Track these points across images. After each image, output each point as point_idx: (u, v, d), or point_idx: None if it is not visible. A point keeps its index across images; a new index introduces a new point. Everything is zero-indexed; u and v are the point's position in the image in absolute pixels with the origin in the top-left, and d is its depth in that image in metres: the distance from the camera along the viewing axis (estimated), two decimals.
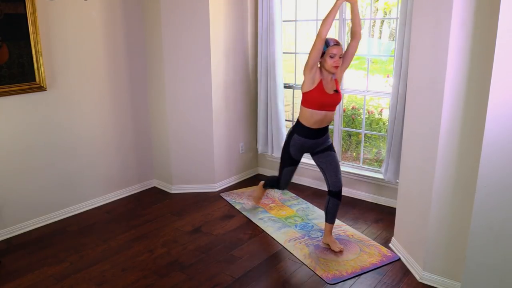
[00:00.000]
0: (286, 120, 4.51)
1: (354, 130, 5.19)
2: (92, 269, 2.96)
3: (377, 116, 5.63)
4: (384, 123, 5.39)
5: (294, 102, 4.81)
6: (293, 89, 4.55)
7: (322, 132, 3.06)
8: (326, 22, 2.77)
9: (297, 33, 4.38)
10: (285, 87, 4.45)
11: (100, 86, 3.86)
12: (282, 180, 3.32)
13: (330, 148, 3.14)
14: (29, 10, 3.23)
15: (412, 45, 2.86)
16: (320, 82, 2.91)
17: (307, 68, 2.88)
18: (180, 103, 4.11)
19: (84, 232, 3.49)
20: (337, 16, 4.26)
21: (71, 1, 3.52)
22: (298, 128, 3.06)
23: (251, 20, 4.40)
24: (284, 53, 4.38)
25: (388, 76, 5.42)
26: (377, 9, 6.18)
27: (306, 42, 5.30)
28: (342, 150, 4.49)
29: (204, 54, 4.00)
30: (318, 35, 2.78)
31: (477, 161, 2.16)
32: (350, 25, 2.97)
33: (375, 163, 4.86)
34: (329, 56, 2.85)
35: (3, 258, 3.09)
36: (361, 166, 4.19)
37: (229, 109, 4.35)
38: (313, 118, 2.97)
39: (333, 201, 3.12)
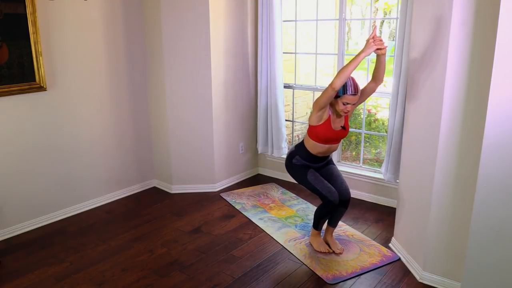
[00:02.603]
0: (286, 120, 4.51)
1: (354, 130, 5.19)
2: (92, 269, 2.96)
3: (378, 116, 5.63)
4: (383, 123, 5.39)
5: (294, 102, 4.81)
6: (293, 89, 4.55)
7: (325, 158, 3.06)
8: (344, 75, 2.60)
9: (297, 33, 4.38)
10: (285, 87, 4.45)
11: (100, 86, 3.86)
12: (323, 191, 2.97)
13: (330, 162, 3.15)
14: (29, 10, 3.23)
15: (412, 45, 2.86)
16: (328, 119, 2.86)
17: (316, 108, 2.81)
18: (180, 103, 4.11)
19: (84, 232, 3.49)
20: (336, 16, 4.28)
21: (71, 1, 3.52)
22: (301, 150, 3.03)
23: (251, 20, 4.40)
24: (284, 53, 4.38)
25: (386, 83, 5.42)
26: (377, 9, 6.18)
27: (306, 42, 5.31)
28: (342, 150, 4.49)
29: (204, 54, 4.00)
30: (331, 85, 2.63)
31: (477, 161, 2.16)
32: (373, 69, 2.81)
33: (375, 163, 4.86)
34: (342, 102, 2.77)
35: (3, 258, 3.09)
36: (361, 166, 4.19)
37: (229, 109, 4.34)
38: (316, 149, 2.96)
39: (340, 210, 3.09)
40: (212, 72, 4.05)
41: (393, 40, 5.96)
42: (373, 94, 4.33)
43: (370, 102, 5.71)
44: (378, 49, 2.61)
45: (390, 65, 4.11)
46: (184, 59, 4.00)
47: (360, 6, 6.05)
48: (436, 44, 2.52)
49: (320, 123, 2.86)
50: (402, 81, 3.43)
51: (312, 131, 2.92)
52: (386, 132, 3.79)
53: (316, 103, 2.81)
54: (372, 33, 2.61)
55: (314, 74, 4.45)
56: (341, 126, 2.92)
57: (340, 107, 2.80)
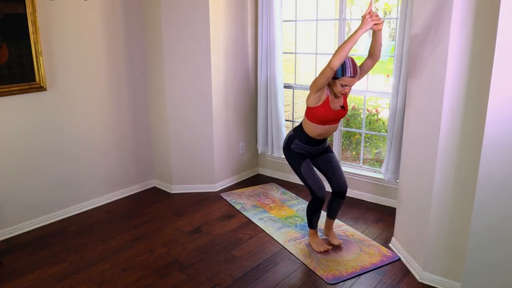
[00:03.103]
0: (286, 120, 4.51)
1: (354, 130, 5.19)
2: (92, 269, 2.96)
3: (379, 116, 5.63)
4: (384, 123, 5.39)
5: (294, 102, 4.81)
6: (293, 89, 4.55)
7: (323, 140, 3.05)
8: (341, 53, 2.55)
9: (297, 33, 4.38)
10: (285, 87, 4.45)
11: (100, 86, 3.86)
12: (312, 186, 2.97)
13: (328, 149, 3.13)
14: (29, 10, 3.23)
15: (412, 45, 2.86)
16: (327, 100, 2.83)
17: (314, 89, 2.77)
18: (180, 103, 4.11)
19: (84, 232, 3.49)
20: (336, 16, 4.28)
21: (71, 1, 3.52)
22: (300, 134, 3.00)
23: (251, 20, 4.40)
24: (284, 53, 4.38)
25: (388, 76, 5.43)
26: (377, 9, 6.18)
27: (306, 42, 5.31)
28: (342, 150, 4.49)
29: (204, 54, 4.00)
30: (329, 64, 2.58)
31: (477, 161, 2.16)
32: (369, 46, 2.80)
33: (376, 163, 4.86)
34: (340, 84, 2.74)
35: (3, 258, 3.09)
36: (361, 166, 4.19)
37: (229, 109, 4.35)
38: (315, 131, 2.93)
39: (338, 200, 3.12)
40: (212, 72, 4.05)
41: (393, 40, 5.96)
42: (373, 94, 4.34)
43: (370, 102, 5.72)
44: (375, 24, 2.56)
45: (390, 65, 4.11)
46: (184, 59, 4.00)
47: (360, 6, 6.06)
48: (436, 43, 2.52)
49: (319, 104, 2.82)
50: (402, 81, 3.43)
51: (311, 112, 2.87)
52: (386, 132, 3.79)
53: (313, 84, 2.77)
54: (367, 9, 2.56)
55: (314, 74, 4.45)
56: (340, 106, 2.88)
57: (338, 88, 2.76)
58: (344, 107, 2.91)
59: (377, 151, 5.36)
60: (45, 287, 2.77)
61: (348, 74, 2.69)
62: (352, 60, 2.71)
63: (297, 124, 5.21)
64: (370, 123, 5.50)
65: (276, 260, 3.07)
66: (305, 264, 2.99)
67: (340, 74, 2.70)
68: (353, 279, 2.83)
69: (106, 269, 2.95)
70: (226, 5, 4.08)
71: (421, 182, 2.76)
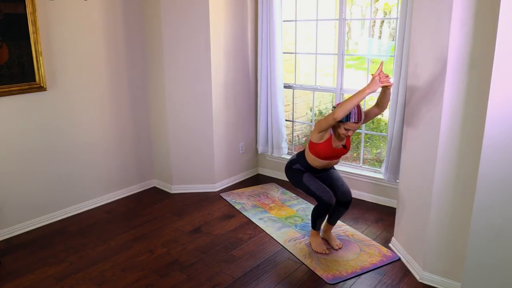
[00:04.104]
0: (286, 120, 4.51)
1: None
2: (92, 269, 2.96)
3: (379, 116, 5.63)
4: (384, 123, 5.39)
5: (294, 102, 4.81)
6: (293, 89, 4.55)
7: (325, 170, 3.09)
8: (347, 107, 2.64)
9: (297, 33, 4.38)
10: (285, 87, 4.45)
11: (100, 86, 3.86)
12: (317, 192, 2.98)
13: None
14: (29, 10, 3.23)
15: (412, 45, 2.86)
16: (330, 138, 2.89)
17: (317, 128, 2.85)
18: (180, 103, 4.11)
19: (84, 232, 3.49)
20: (336, 16, 4.28)
21: (71, 1, 3.52)
22: (302, 160, 3.06)
23: (251, 20, 4.40)
24: (284, 53, 4.38)
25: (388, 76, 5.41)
26: (377, 9, 6.18)
27: (306, 42, 5.31)
28: None
29: (204, 54, 4.00)
30: (333, 114, 2.68)
31: (477, 161, 2.16)
32: (378, 97, 2.87)
33: (376, 163, 4.86)
34: (344, 127, 2.79)
35: (3, 258, 3.09)
36: (361, 166, 4.19)
37: (229, 109, 4.34)
38: (315, 163, 3.00)
39: (340, 210, 3.13)
40: (212, 72, 4.05)
41: (393, 40, 5.96)
42: (373, 94, 4.35)
43: (370, 102, 5.72)
44: (383, 86, 2.65)
45: (390, 65, 4.11)
46: (184, 59, 4.00)
47: (360, 6, 6.05)
48: (436, 43, 2.52)
49: (321, 141, 2.90)
50: (402, 81, 3.43)
51: (313, 147, 2.95)
52: (386, 132, 3.79)
53: (317, 125, 2.86)
54: (378, 69, 2.62)
55: (314, 74, 4.45)
56: (342, 145, 2.95)
57: (341, 131, 2.83)
58: (345, 147, 2.96)
59: (377, 151, 5.36)
60: (45, 287, 2.77)
61: (353, 120, 2.76)
62: (358, 107, 2.75)
63: (297, 123, 5.23)
64: (373, 122, 5.50)
65: (276, 260, 3.07)
66: (305, 264, 2.99)
67: (344, 119, 2.76)
68: (353, 279, 2.83)
69: (106, 269, 2.95)
70: (226, 5, 4.08)
71: (421, 182, 2.75)
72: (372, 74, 2.65)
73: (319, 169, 3.06)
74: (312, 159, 2.99)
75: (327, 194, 2.96)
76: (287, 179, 4.53)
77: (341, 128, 2.82)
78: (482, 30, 2.25)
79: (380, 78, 2.60)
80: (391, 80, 2.66)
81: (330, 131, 2.88)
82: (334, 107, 2.86)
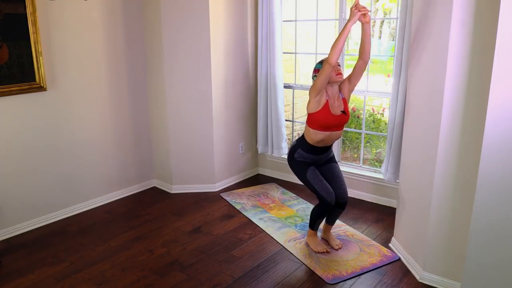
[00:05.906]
0: (286, 120, 4.51)
1: (354, 130, 5.19)
2: (92, 269, 2.96)
3: (378, 116, 5.64)
4: (385, 123, 5.39)
5: (294, 102, 4.81)
6: (293, 89, 4.55)
7: (326, 148, 3.03)
8: (336, 48, 2.64)
9: (297, 33, 4.38)
10: (285, 87, 4.45)
11: (100, 85, 3.86)
12: (320, 191, 2.96)
13: (332, 159, 3.13)
14: (29, 10, 3.23)
15: (412, 45, 2.86)
16: (326, 104, 2.85)
17: (314, 91, 2.81)
18: (180, 103, 4.11)
19: (84, 232, 3.49)
20: (336, 16, 4.28)
21: (71, 1, 3.52)
22: (302, 143, 3.01)
23: (251, 20, 4.40)
24: (284, 53, 4.38)
25: (388, 76, 5.43)
26: (377, 9, 6.18)
27: (306, 42, 5.31)
28: (342, 150, 4.49)
29: (204, 54, 4.00)
30: (327, 61, 2.67)
31: (477, 161, 2.16)
32: (359, 45, 2.84)
33: (376, 163, 4.86)
34: (333, 73, 2.79)
35: (3, 258, 3.09)
36: (361, 166, 4.19)
37: (229, 109, 4.34)
38: (317, 138, 2.92)
39: (337, 210, 3.10)
40: (212, 72, 4.05)
41: (393, 40, 5.96)
42: (373, 94, 4.34)
43: (376, 102, 5.72)
44: (362, 15, 2.66)
45: (390, 65, 4.11)
46: (184, 59, 4.00)
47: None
48: (436, 43, 2.52)
49: (319, 109, 2.84)
50: (402, 81, 3.43)
51: (312, 118, 2.89)
52: (386, 132, 3.79)
53: (313, 87, 2.81)
54: (355, 1, 2.66)
55: None
56: (341, 111, 2.90)
57: (333, 77, 2.81)
58: (345, 112, 2.91)
59: (377, 151, 5.36)
60: (45, 287, 2.77)
61: None
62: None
63: (297, 123, 5.22)
64: (374, 121, 5.50)
65: (276, 260, 3.07)
66: (305, 264, 2.99)
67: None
68: (353, 279, 2.83)
69: (106, 269, 2.95)
70: (226, 5, 4.08)
71: (421, 182, 2.75)
72: (350, 8, 2.70)
73: (322, 148, 2.98)
74: (313, 135, 2.91)
75: (330, 195, 2.95)
76: (287, 179, 4.60)
77: (332, 76, 2.80)
78: (482, 30, 2.25)
79: (357, 7, 2.63)
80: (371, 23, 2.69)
81: (326, 96, 2.84)
82: (318, 64, 2.90)
